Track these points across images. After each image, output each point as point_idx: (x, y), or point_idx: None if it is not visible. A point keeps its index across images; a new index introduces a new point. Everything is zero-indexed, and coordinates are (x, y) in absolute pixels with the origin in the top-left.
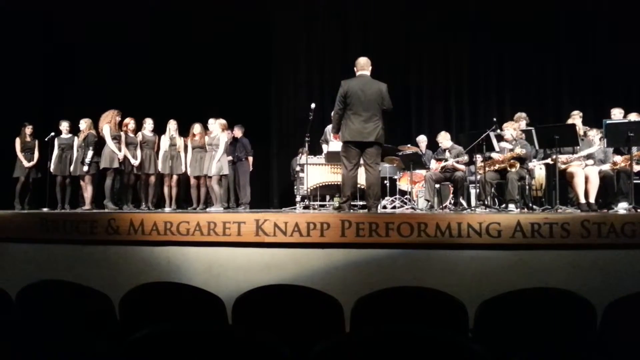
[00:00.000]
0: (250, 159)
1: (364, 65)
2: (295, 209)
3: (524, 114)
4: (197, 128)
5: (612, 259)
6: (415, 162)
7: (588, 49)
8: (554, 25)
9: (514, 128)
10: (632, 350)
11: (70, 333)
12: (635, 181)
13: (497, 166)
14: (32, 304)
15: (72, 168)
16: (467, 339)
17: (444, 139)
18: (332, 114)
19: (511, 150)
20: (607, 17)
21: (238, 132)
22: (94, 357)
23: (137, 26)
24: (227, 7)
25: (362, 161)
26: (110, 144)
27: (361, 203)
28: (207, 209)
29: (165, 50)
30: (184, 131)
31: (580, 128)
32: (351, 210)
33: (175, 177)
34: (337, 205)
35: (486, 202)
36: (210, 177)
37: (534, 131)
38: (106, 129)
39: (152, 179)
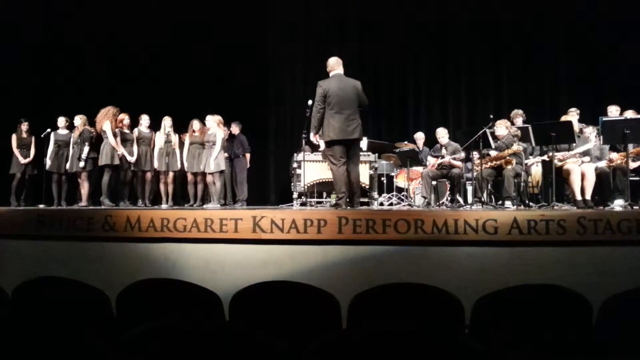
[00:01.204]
0: (248, 155)
1: (334, 65)
2: (292, 205)
3: (520, 111)
4: (196, 124)
5: (608, 256)
6: (412, 159)
7: (587, 49)
8: (552, 24)
9: (507, 126)
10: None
11: (67, 330)
12: (631, 178)
13: (493, 163)
14: (28, 300)
15: (68, 165)
16: (464, 335)
17: (443, 134)
18: (313, 114)
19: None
20: (606, 17)
21: (236, 129)
22: (90, 354)
23: (135, 24)
24: (225, 5)
25: None
26: (112, 141)
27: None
28: (204, 206)
29: (162, 47)
30: (179, 128)
31: (577, 125)
32: (348, 207)
33: (171, 174)
34: (334, 202)
35: (482, 199)
36: (209, 174)
37: (530, 128)
38: (107, 126)
39: (149, 175)
